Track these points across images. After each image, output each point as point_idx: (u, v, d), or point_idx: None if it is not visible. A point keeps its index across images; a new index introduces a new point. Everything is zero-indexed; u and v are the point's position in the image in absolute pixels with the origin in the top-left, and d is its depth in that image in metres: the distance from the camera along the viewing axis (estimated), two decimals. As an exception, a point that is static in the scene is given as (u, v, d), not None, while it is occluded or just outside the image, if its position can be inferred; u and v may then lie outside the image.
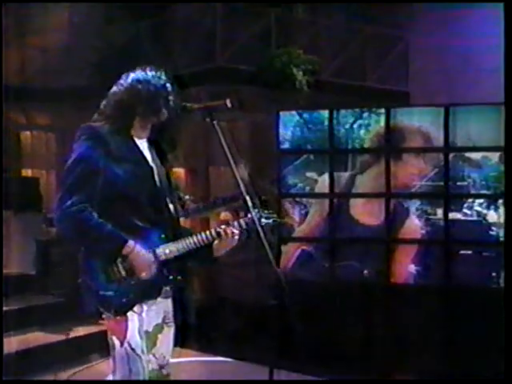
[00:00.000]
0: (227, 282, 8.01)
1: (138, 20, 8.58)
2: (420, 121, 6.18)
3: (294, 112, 6.57)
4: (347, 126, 6.39)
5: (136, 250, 2.77)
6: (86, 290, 2.81)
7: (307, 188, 6.48)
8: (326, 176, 6.37)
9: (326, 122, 6.42)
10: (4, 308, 6.05)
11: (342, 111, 6.41)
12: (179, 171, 9.25)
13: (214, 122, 2.84)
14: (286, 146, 6.53)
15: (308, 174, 6.49)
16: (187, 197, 3.94)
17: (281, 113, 6.54)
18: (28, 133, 9.59)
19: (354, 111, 6.39)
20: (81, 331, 5.45)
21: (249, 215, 2.83)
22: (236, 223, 2.92)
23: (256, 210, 2.83)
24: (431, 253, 6.08)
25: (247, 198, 2.78)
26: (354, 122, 6.38)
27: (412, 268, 6.10)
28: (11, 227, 7.25)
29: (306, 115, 6.53)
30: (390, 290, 6.12)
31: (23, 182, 8.36)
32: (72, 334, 5.66)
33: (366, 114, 6.33)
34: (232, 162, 2.79)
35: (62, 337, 5.73)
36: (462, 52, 8.33)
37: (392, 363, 5.59)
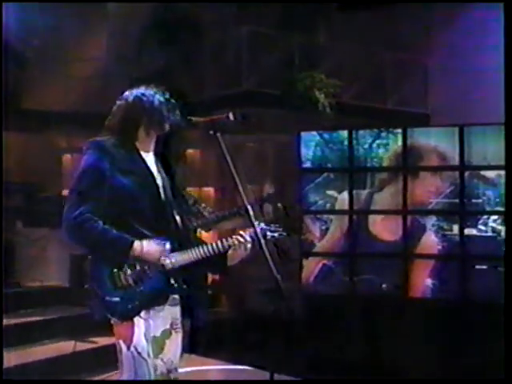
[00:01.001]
0: (235, 292, 8.20)
1: (168, 47, 8.92)
2: (436, 140, 6.39)
3: (314, 132, 6.83)
4: (366, 146, 6.62)
5: (145, 248, 2.84)
6: (93, 296, 2.86)
7: (328, 205, 6.72)
8: (346, 193, 6.62)
9: (346, 142, 6.67)
10: (41, 317, 6.48)
11: (361, 131, 6.66)
12: (208, 189, 9.60)
13: (218, 134, 2.91)
14: (308, 164, 6.81)
15: (328, 192, 6.73)
16: (207, 209, 4.09)
17: (302, 133, 6.81)
18: (69, 156, 9.94)
19: (373, 131, 6.63)
20: (109, 340, 5.72)
21: (252, 228, 2.86)
22: (239, 235, 2.95)
23: (262, 224, 2.90)
24: (447, 268, 6.25)
25: (250, 211, 2.81)
26: (373, 141, 6.61)
27: (429, 282, 6.28)
28: (50, 243, 7.64)
29: (326, 135, 6.78)
30: (407, 303, 6.29)
31: (62, 201, 8.74)
32: (101, 343, 5.95)
33: (383, 134, 6.56)
34: (235, 174, 2.83)
35: (91, 345, 6.04)
36: (480, 73, 8.48)
37: (404, 373, 5.73)
